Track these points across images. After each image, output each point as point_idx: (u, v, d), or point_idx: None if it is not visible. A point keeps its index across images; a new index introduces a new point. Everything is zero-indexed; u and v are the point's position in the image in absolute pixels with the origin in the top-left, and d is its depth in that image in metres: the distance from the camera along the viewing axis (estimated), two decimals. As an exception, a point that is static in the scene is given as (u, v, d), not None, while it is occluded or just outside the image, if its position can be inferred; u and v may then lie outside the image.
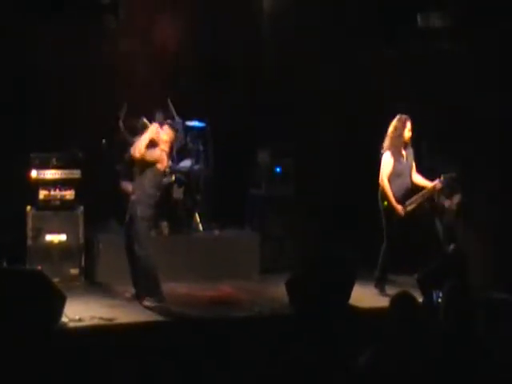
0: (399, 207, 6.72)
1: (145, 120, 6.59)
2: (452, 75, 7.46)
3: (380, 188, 6.81)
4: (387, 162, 6.79)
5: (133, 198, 6.46)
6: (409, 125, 6.77)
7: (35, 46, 7.58)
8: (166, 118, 8.01)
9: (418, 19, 7.36)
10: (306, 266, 6.62)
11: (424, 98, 7.57)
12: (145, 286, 6.38)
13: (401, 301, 3.74)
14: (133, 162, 6.56)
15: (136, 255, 6.34)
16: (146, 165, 6.39)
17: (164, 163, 6.45)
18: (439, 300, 4.36)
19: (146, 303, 6.31)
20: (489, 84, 7.24)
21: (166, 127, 6.56)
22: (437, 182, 6.78)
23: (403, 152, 6.83)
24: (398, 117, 6.80)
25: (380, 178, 6.79)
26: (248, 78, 8.58)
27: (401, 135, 6.75)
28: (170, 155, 6.71)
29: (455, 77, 7.41)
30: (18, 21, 7.32)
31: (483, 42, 7.19)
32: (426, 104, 7.46)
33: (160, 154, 6.40)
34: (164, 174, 6.65)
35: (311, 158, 8.51)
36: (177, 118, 7.86)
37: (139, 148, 6.33)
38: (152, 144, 6.41)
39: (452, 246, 6.98)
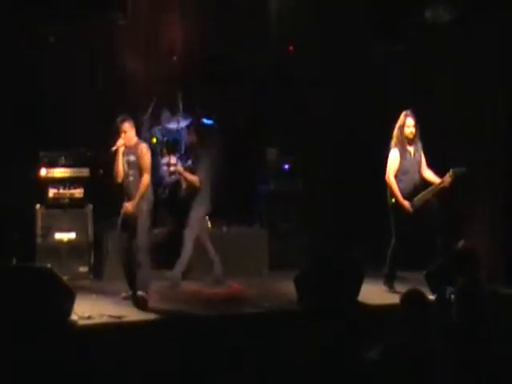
0: (406, 204, 6.70)
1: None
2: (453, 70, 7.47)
3: (387, 185, 6.81)
4: (393, 159, 6.79)
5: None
6: (409, 121, 6.75)
7: (44, 45, 7.61)
8: (172, 115, 8.06)
9: (426, 13, 7.34)
10: (315, 263, 6.61)
11: (426, 93, 7.57)
12: (140, 278, 6.25)
13: (411, 298, 3.74)
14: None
15: (137, 248, 6.22)
16: None
17: None
18: (452, 296, 4.33)
19: (140, 293, 6.19)
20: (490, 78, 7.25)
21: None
22: (445, 178, 6.75)
23: (409, 148, 6.82)
24: (402, 114, 6.80)
25: (386, 175, 6.78)
26: (256, 75, 8.58)
27: (402, 132, 6.76)
28: None
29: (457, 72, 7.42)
30: (24, 21, 7.33)
31: (484, 37, 7.18)
32: (428, 100, 7.47)
33: None
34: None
35: (319, 155, 8.52)
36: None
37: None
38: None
39: (461, 242, 6.95)
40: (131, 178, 6.34)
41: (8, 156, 7.30)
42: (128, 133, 6.35)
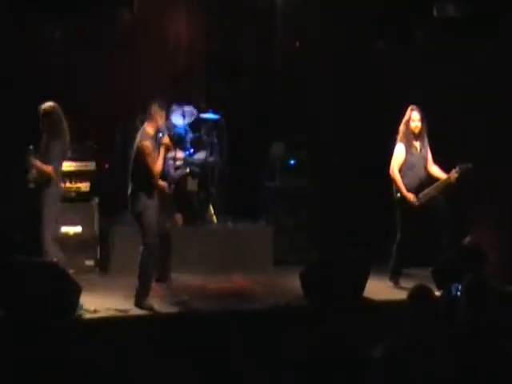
0: (411, 196, 6.69)
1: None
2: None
3: (392, 179, 6.80)
4: (398, 154, 6.78)
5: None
6: (415, 115, 6.73)
7: (50, 42, 7.61)
8: (179, 110, 8.05)
9: (434, 10, 7.31)
10: (320, 258, 6.62)
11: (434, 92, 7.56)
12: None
13: (419, 294, 3.74)
14: None
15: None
16: None
17: None
18: (458, 293, 4.33)
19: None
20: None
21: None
22: (451, 173, 6.74)
23: (415, 143, 6.81)
24: (408, 108, 6.79)
25: (390, 169, 6.77)
26: (262, 70, 8.58)
27: (408, 127, 6.74)
28: None
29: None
30: (24, 21, 7.33)
31: (483, 37, 7.17)
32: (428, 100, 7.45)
33: None
34: None
35: (325, 151, 8.51)
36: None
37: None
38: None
39: (467, 238, 6.95)
40: None
41: (10, 154, 7.30)
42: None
